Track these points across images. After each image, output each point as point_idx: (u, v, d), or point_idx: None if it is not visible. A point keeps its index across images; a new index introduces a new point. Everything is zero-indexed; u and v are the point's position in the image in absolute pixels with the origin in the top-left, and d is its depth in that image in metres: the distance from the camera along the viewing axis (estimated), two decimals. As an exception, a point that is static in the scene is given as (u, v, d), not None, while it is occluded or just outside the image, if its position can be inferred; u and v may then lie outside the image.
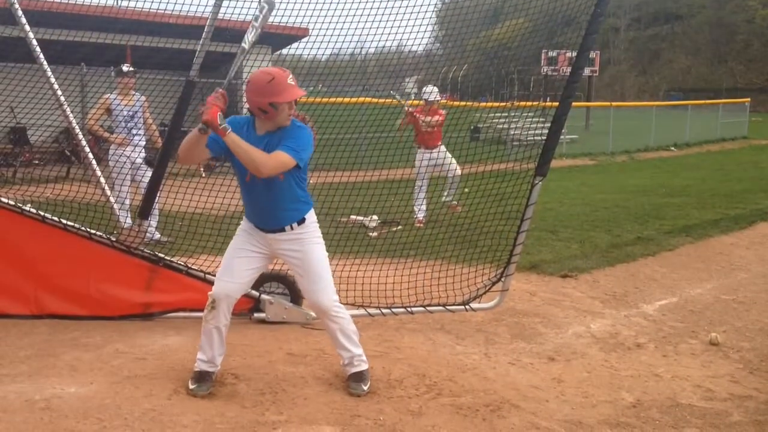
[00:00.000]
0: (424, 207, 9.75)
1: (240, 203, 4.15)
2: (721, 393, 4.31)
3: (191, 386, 3.98)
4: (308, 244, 4.01)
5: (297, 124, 3.87)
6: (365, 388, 4.08)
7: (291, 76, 3.75)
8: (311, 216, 4.06)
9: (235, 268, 3.98)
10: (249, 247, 4.01)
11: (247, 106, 3.80)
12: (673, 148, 25.30)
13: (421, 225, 9.34)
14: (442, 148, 9.87)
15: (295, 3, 5.60)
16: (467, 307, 5.35)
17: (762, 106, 50.74)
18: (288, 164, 3.70)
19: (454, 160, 9.79)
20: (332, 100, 7.50)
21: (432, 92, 9.80)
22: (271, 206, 3.91)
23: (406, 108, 9.49)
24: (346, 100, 7.01)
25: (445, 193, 9.85)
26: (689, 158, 22.44)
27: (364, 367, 4.16)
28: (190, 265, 5.37)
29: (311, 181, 6.54)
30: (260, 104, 3.70)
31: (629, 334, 5.40)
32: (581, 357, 4.89)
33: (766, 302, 6.30)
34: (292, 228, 3.96)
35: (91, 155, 5.72)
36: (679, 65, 71.97)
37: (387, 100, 8.87)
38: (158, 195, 5.63)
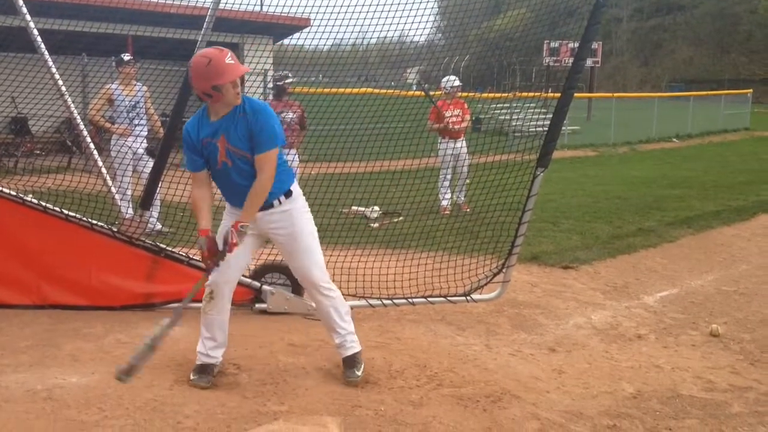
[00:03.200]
0: (448, 195, 9.93)
1: None
2: (722, 384, 4.32)
3: (192, 377, 3.97)
4: (297, 218, 3.96)
5: (255, 107, 3.75)
6: (359, 373, 4.08)
7: (230, 54, 3.65)
8: (297, 188, 4.02)
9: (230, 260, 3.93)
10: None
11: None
12: (675, 140, 25.25)
13: (447, 213, 9.54)
14: (464, 142, 10.03)
15: (296, -7, 5.58)
16: (468, 298, 5.35)
17: (764, 98, 50.57)
18: (275, 159, 3.71)
19: (468, 160, 9.90)
20: (334, 90, 7.48)
21: (451, 80, 9.90)
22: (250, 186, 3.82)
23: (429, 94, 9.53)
24: (348, 90, 6.98)
25: (456, 194, 9.94)
26: (691, 149, 22.41)
27: (357, 348, 4.15)
28: (191, 256, 5.37)
29: (312, 172, 6.55)
30: (204, 89, 3.64)
31: (630, 326, 5.41)
32: (582, 348, 4.90)
33: (767, 294, 6.30)
34: (280, 202, 3.92)
35: (92, 145, 5.72)
36: (681, 56, 71.72)
37: (389, 91, 8.85)
38: (160, 185, 5.63)
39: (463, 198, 9.94)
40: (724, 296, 6.22)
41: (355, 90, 7.07)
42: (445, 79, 9.99)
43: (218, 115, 3.76)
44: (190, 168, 3.86)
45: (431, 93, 9.66)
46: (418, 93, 10.02)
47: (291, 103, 8.43)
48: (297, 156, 8.30)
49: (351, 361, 4.12)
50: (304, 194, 4.12)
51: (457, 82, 9.92)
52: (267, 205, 3.88)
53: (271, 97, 8.58)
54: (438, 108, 9.64)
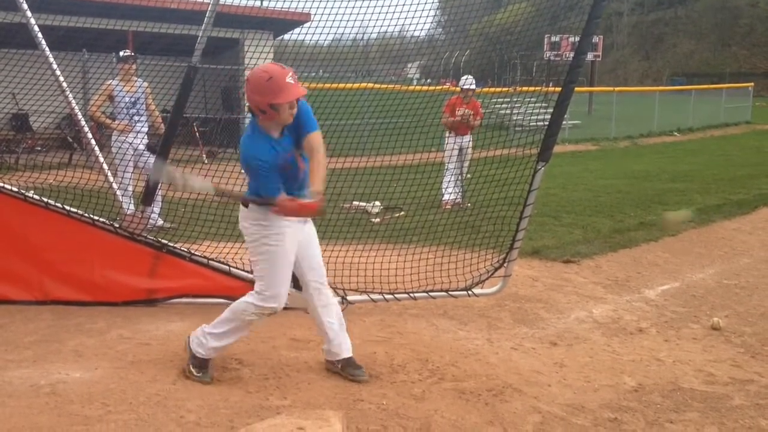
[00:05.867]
0: (450, 190, 9.95)
1: (243, 187, 4.11)
2: (723, 377, 4.33)
3: (197, 374, 3.97)
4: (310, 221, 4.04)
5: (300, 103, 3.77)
6: (364, 372, 4.08)
7: (291, 73, 3.56)
8: None
9: (289, 274, 3.93)
10: (294, 247, 3.90)
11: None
12: (676, 134, 25.24)
13: (448, 208, 9.51)
14: (468, 138, 10.18)
15: (297, -12, 5.58)
16: (470, 292, 5.36)
17: (766, 91, 50.51)
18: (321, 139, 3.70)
19: (470, 157, 9.99)
20: (335, 85, 7.48)
21: (469, 81, 10.09)
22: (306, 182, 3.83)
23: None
24: (348, 85, 6.99)
25: (457, 191, 9.97)
26: (692, 143, 22.39)
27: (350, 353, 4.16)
28: (193, 251, 5.38)
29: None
30: (259, 104, 3.56)
31: (631, 319, 5.41)
32: (583, 342, 4.91)
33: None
34: None
35: (93, 142, 5.72)
36: (682, 50, 71.62)
37: (388, 86, 8.85)
38: (161, 181, 5.64)
39: (461, 196, 9.96)
40: (725, 290, 6.23)
41: (356, 85, 7.08)
42: (463, 78, 10.18)
43: (277, 132, 3.71)
44: (275, 194, 3.65)
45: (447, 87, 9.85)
46: (419, 88, 10.07)
47: None
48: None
49: (352, 362, 4.11)
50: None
51: (473, 86, 10.02)
52: None
53: None
54: (451, 106, 9.84)
